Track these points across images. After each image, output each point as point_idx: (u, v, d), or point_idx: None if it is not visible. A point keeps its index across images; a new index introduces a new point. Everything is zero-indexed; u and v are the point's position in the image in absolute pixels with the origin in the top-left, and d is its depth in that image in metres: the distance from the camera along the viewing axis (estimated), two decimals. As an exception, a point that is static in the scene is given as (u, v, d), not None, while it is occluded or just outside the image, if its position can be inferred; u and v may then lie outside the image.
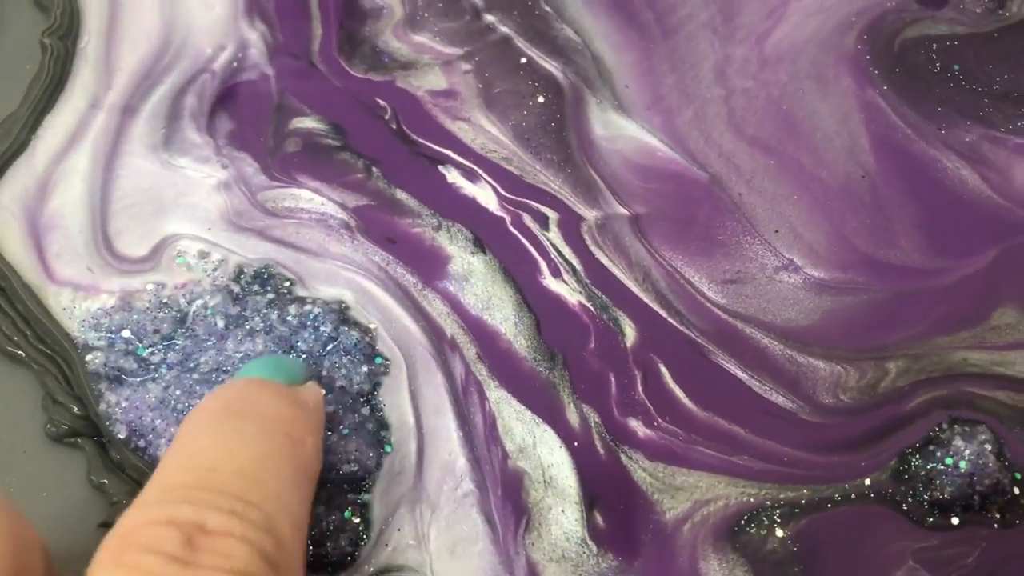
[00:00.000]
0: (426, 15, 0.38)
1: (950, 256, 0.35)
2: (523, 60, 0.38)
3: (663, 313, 0.33)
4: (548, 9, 0.39)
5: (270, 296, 0.32)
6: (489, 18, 0.38)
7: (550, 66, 0.38)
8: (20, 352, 0.31)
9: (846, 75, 0.38)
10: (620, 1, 0.39)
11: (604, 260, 0.34)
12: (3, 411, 0.31)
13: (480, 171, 0.35)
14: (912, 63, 0.39)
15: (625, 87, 0.38)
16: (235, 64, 0.37)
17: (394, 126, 0.36)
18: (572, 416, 0.31)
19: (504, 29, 0.38)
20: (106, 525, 0.29)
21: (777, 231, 0.35)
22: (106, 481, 0.29)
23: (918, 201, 0.36)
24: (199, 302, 0.31)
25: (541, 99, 0.37)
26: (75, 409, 0.30)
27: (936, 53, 0.39)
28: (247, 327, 0.31)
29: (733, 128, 0.37)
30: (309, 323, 0.31)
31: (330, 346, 0.31)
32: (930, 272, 0.35)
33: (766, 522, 0.30)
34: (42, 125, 0.35)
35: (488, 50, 0.38)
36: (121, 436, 0.29)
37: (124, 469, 0.30)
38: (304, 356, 0.30)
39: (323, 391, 0.28)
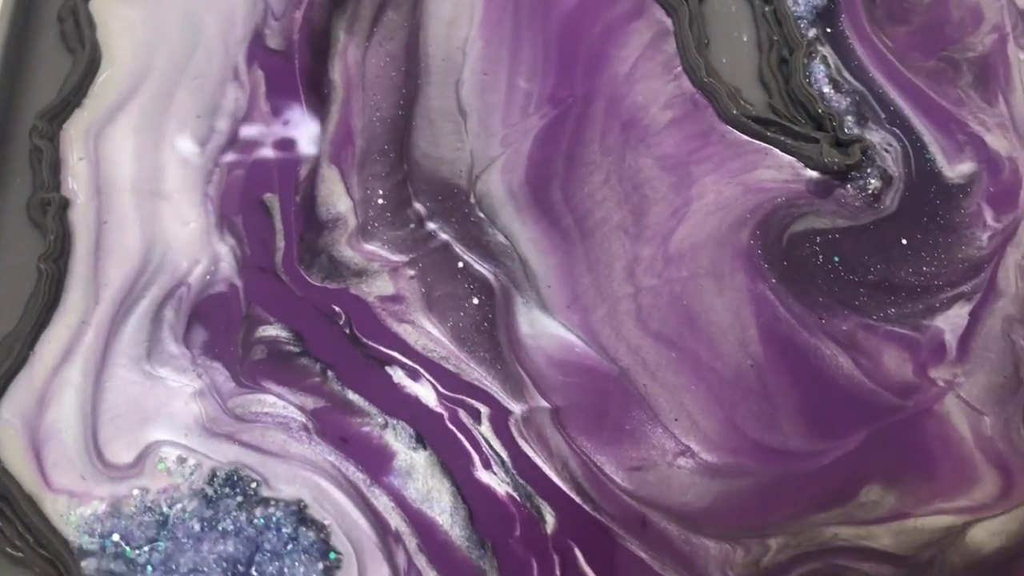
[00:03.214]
0: (376, 225, 0.44)
1: (825, 439, 0.41)
2: (460, 264, 0.44)
3: (578, 500, 0.39)
4: (482, 215, 0.45)
5: (239, 499, 0.37)
6: (431, 225, 0.44)
7: (484, 269, 0.43)
8: (21, 555, 0.36)
9: (740, 270, 0.44)
10: (544, 207, 0.45)
11: (529, 451, 0.40)
12: (8, 609, 0.36)
13: (422, 370, 0.41)
14: (798, 256, 0.45)
15: (548, 287, 0.43)
16: (208, 277, 0.42)
17: (347, 331, 0.42)
18: (499, 599, 0.37)
19: (444, 236, 0.44)
20: None
21: (677, 419, 0.41)
22: (99, 673, 0.34)
23: (800, 388, 0.42)
24: (178, 506, 0.37)
25: (476, 301, 0.43)
26: (71, 609, 0.35)
27: (819, 246, 0.45)
28: (220, 528, 0.36)
29: (640, 324, 0.43)
30: (272, 524, 0.36)
31: (291, 545, 0.36)
32: (807, 455, 0.40)
33: None
34: (39, 340, 0.40)
35: (430, 256, 0.44)
36: (112, 635, 0.34)
37: (114, 662, 0.35)
38: (269, 554, 0.36)
39: None
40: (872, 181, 0.47)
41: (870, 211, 0.46)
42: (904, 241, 0.46)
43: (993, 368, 0.43)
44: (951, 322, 0.44)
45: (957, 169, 0.48)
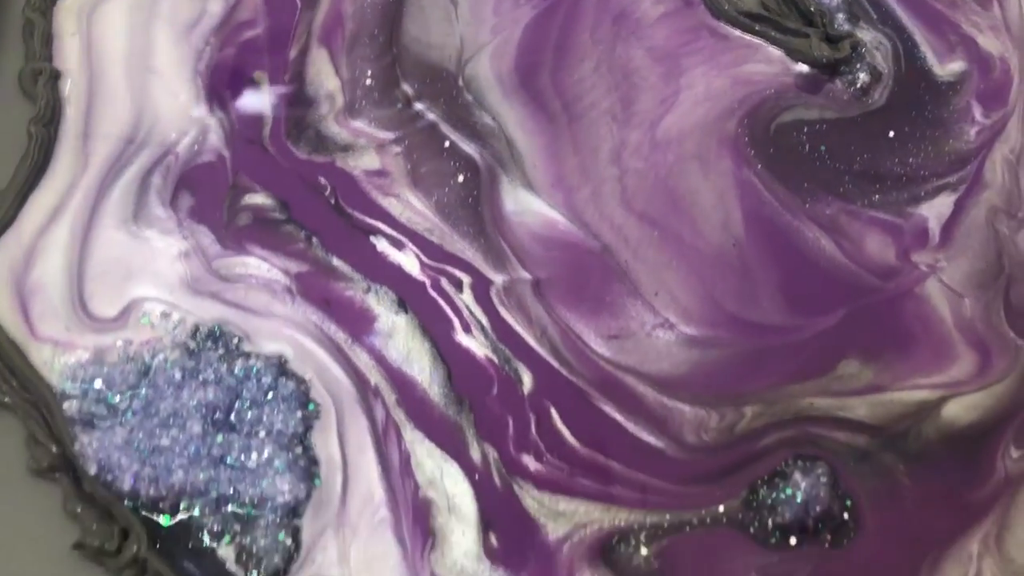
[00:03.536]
0: (363, 103, 0.44)
1: (805, 315, 0.41)
2: (447, 144, 0.44)
3: (556, 364, 0.39)
4: (470, 98, 0.45)
5: (221, 351, 0.37)
6: (418, 106, 0.45)
7: (470, 149, 0.44)
8: (6, 399, 0.37)
9: (726, 156, 0.45)
10: (533, 91, 0.45)
11: (509, 318, 0.40)
12: (-8, 450, 0.36)
13: (406, 241, 0.41)
14: (785, 144, 0.45)
15: (534, 167, 0.44)
16: (196, 147, 0.43)
17: (332, 202, 0.42)
18: (475, 453, 0.37)
19: (431, 116, 0.44)
20: (79, 547, 0.35)
21: (657, 294, 0.41)
22: (79, 510, 0.35)
23: (781, 267, 0.42)
24: (160, 356, 0.37)
25: (461, 178, 0.43)
26: (53, 449, 0.36)
27: (806, 135, 0.45)
28: (200, 378, 0.37)
29: (624, 204, 0.43)
30: (253, 375, 0.37)
31: (270, 394, 0.37)
32: (787, 329, 0.41)
33: (633, 542, 0.36)
34: (28, 202, 0.40)
35: (417, 135, 0.44)
36: (92, 472, 0.35)
37: (95, 499, 0.35)
38: (249, 403, 0.36)
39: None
40: (861, 76, 0.47)
41: (858, 104, 0.46)
42: (891, 134, 0.46)
43: (976, 255, 0.43)
44: (936, 210, 0.44)
45: (948, 68, 0.47)
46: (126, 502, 0.35)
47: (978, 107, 0.47)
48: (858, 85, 0.47)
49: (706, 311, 0.41)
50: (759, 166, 0.44)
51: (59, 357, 0.37)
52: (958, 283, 0.42)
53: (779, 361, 0.40)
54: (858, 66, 0.47)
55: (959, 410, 0.39)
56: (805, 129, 0.46)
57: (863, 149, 0.45)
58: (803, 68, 0.47)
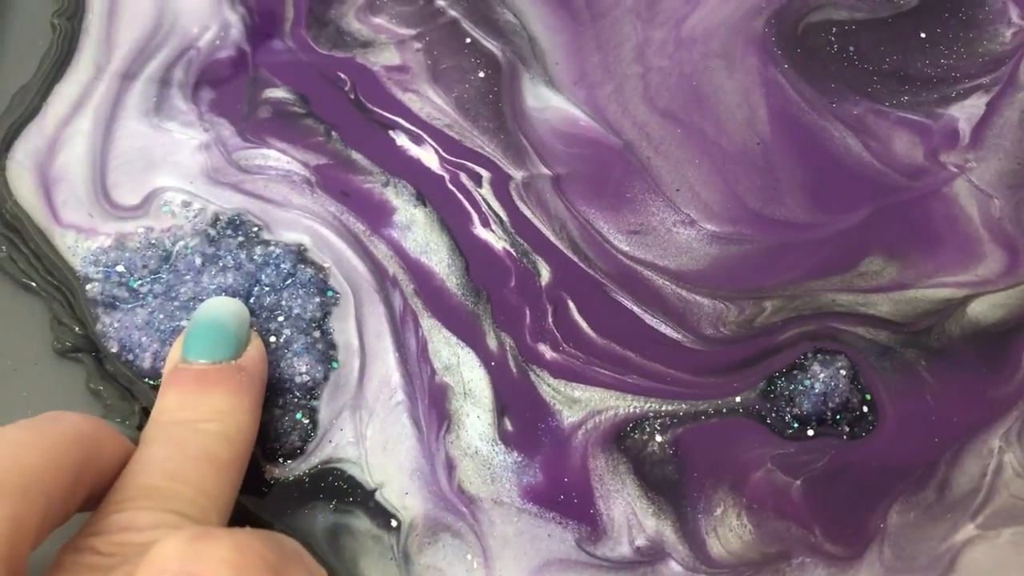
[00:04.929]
0: (385, 0, 0.44)
1: (829, 212, 0.40)
2: (468, 40, 0.43)
3: (574, 258, 0.39)
4: (492, -5, 0.44)
5: (240, 239, 0.38)
6: (440, 2, 0.44)
7: (491, 45, 0.43)
8: (32, 283, 0.37)
9: (752, 55, 0.44)
10: (555, -11, 0.45)
11: (528, 213, 0.40)
12: (18, 331, 0.37)
13: (425, 136, 0.41)
14: (812, 45, 0.44)
15: (556, 64, 0.43)
16: (217, 42, 0.42)
17: (352, 96, 0.42)
18: (491, 341, 0.37)
19: (453, 13, 0.44)
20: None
21: (678, 190, 0.41)
22: (101, 388, 0.36)
23: (805, 165, 0.41)
24: (181, 243, 0.37)
25: (482, 74, 0.43)
26: (77, 329, 0.36)
27: (835, 36, 0.44)
28: (220, 264, 0.37)
29: (647, 101, 0.42)
30: (272, 261, 0.37)
31: (289, 280, 0.37)
32: (810, 226, 0.40)
33: (648, 430, 0.36)
34: (52, 93, 0.41)
35: (437, 31, 0.44)
36: (113, 351, 0.36)
37: (116, 378, 0.36)
38: (267, 288, 0.37)
39: (263, 347, 0.34)
40: (894, -24, 0.46)
41: (889, 6, 0.45)
42: (923, 34, 0.44)
43: (1007, 155, 0.42)
44: (967, 111, 0.43)
45: (984, -32, 0.46)
46: (146, 380, 0.35)
47: (1015, 8, 0.45)
48: (891, -15, 0.45)
49: (728, 207, 0.40)
50: (786, 65, 0.43)
51: (82, 243, 0.38)
52: (988, 183, 0.41)
53: (801, 257, 0.39)
54: (891, -34, 0.46)
55: (985, 308, 0.39)
56: (834, 30, 0.44)
57: (893, 50, 0.44)
58: (834, -32, 0.45)
